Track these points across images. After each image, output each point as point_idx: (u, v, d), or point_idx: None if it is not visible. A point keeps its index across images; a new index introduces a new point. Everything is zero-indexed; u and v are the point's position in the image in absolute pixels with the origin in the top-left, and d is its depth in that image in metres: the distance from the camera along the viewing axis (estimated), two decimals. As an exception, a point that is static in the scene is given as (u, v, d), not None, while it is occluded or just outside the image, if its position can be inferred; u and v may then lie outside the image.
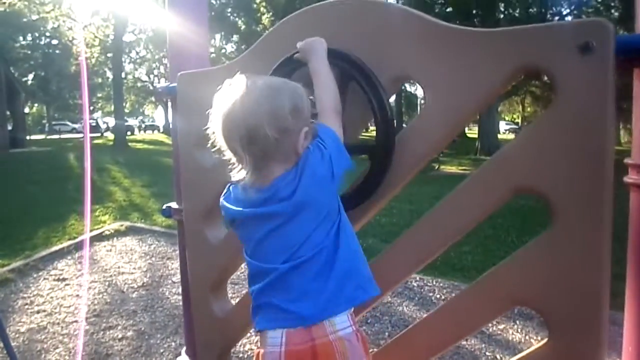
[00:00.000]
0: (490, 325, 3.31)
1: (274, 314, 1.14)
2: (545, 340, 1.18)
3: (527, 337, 3.17)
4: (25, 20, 35.29)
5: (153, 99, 50.60)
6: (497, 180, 1.19)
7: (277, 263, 1.12)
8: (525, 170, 1.15)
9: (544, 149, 1.11)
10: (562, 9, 20.96)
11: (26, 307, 3.80)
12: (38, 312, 3.70)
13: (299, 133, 1.10)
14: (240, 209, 1.16)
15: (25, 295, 4.05)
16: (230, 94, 1.09)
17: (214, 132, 1.13)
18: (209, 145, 1.14)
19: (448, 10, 20.21)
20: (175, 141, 1.83)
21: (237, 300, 1.83)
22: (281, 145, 1.08)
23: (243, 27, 26.89)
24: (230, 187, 1.22)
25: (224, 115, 1.08)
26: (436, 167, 13.75)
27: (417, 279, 4.22)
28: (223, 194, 1.24)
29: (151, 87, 46.74)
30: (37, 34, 43.64)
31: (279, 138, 1.06)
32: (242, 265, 1.67)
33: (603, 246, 1.06)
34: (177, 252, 5.18)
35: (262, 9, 25.54)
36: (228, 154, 1.13)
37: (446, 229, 1.29)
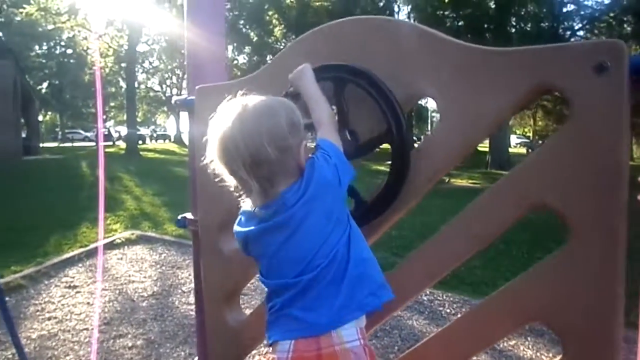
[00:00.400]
0: (501, 341, 3.29)
1: (286, 325, 1.15)
2: (559, 357, 1.18)
3: (538, 354, 3.14)
4: (40, 29, 35.88)
5: (165, 108, 51.05)
6: (512, 196, 1.20)
7: (292, 276, 1.13)
8: (541, 187, 1.15)
9: (559, 166, 1.12)
10: (574, 24, 20.92)
11: (37, 313, 3.83)
12: (49, 318, 3.73)
13: (299, 147, 1.12)
14: (252, 227, 1.18)
15: (36, 302, 4.08)
16: (225, 121, 1.09)
17: (212, 161, 1.13)
18: (210, 172, 1.15)
19: (459, 24, 20.26)
20: (192, 152, 1.85)
21: (247, 310, 1.85)
22: (284, 162, 1.09)
23: (255, 38, 27.14)
24: (240, 213, 1.24)
25: (224, 144, 1.08)
26: (447, 181, 13.71)
27: (427, 293, 4.21)
28: (236, 222, 1.26)
29: (163, 97, 47.17)
30: (52, 44, 44.43)
31: (282, 157, 1.07)
32: (256, 276, 1.68)
33: (617, 263, 1.07)
34: (187, 261, 5.25)
35: (274, 21, 25.80)
36: (232, 181, 1.14)
37: (460, 245, 1.30)
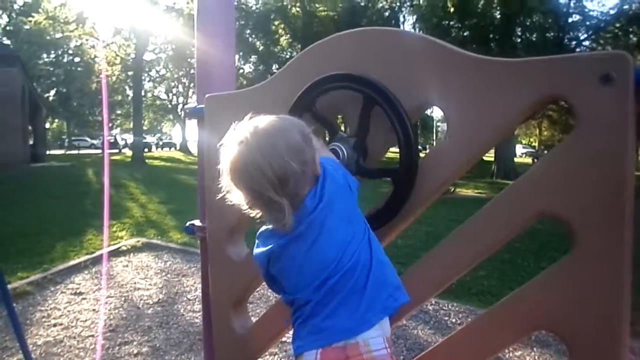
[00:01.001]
0: (506, 351, 3.28)
1: (311, 335, 1.14)
2: (566, 365, 1.18)
3: (544, 365, 3.13)
4: (49, 38, 36.24)
5: (171, 116, 51.34)
6: (518, 205, 1.21)
7: (317, 284, 1.13)
8: (547, 196, 1.16)
9: (565, 175, 1.13)
10: (580, 34, 20.94)
11: (43, 320, 3.85)
12: (55, 325, 3.75)
13: (314, 157, 1.13)
14: (273, 244, 1.18)
15: (42, 308, 4.10)
16: (239, 148, 1.09)
17: (230, 189, 1.13)
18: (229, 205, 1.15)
19: (465, 34, 20.32)
20: (201, 160, 1.87)
21: (253, 319, 1.85)
22: (305, 174, 1.10)
23: (261, 48, 27.30)
24: (257, 237, 1.25)
25: (244, 170, 1.07)
26: (452, 190, 13.69)
27: (433, 302, 4.20)
28: (254, 247, 1.26)
29: (170, 106, 47.47)
30: (60, 52, 44.83)
31: (303, 168, 1.08)
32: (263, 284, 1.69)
33: (624, 272, 1.07)
34: (193, 269, 5.26)
35: (280, 30, 25.95)
36: (258, 208, 1.13)
37: (467, 253, 1.31)
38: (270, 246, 1.19)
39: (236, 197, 1.13)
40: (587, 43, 20.57)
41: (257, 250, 1.24)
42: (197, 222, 1.95)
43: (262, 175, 1.05)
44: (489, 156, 23.42)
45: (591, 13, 20.70)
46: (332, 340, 1.10)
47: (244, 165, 1.07)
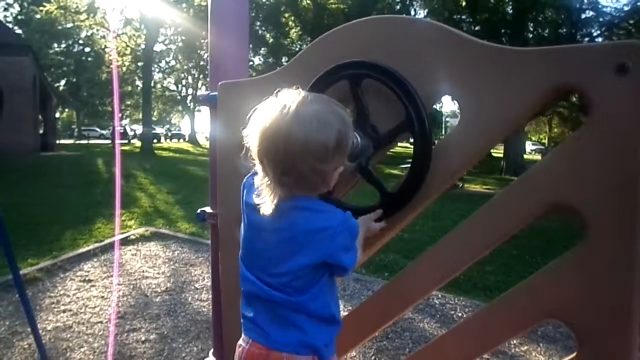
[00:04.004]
0: (513, 346, 3.28)
1: (246, 320, 1.22)
2: (574, 354, 1.18)
3: (550, 360, 3.12)
4: (60, 27, 36.42)
5: (180, 108, 51.46)
6: (529, 195, 1.21)
7: (259, 278, 1.16)
8: (559, 186, 1.16)
9: (578, 166, 1.13)
10: (593, 30, 20.72)
11: (53, 306, 3.88)
12: (64, 311, 3.78)
13: (334, 172, 1.08)
14: (249, 200, 1.17)
15: (52, 295, 4.14)
16: (277, 113, 1.02)
17: (248, 142, 1.08)
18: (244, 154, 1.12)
19: (476, 29, 20.16)
20: (214, 147, 1.88)
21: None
22: (312, 181, 1.06)
23: (271, 40, 27.24)
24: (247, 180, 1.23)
25: (266, 136, 1.03)
26: (460, 186, 13.64)
27: (439, 296, 4.20)
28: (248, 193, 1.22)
29: (179, 97, 47.55)
30: (70, 42, 44.99)
31: (313, 176, 1.04)
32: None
33: (635, 263, 1.07)
34: (201, 259, 5.29)
35: (290, 23, 25.86)
36: (259, 170, 1.10)
37: (476, 242, 1.31)
38: (245, 201, 1.20)
39: (254, 155, 1.08)
40: (600, 39, 20.33)
41: (244, 193, 1.23)
42: (207, 210, 1.96)
43: (274, 153, 1.02)
44: (498, 152, 23.29)
45: (604, 9, 20.46)
46: (258, 340, 1.16)
47: (268, 133, 1.02)
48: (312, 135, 1.00)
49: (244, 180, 1.25)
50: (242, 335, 1.22)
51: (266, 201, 1.08)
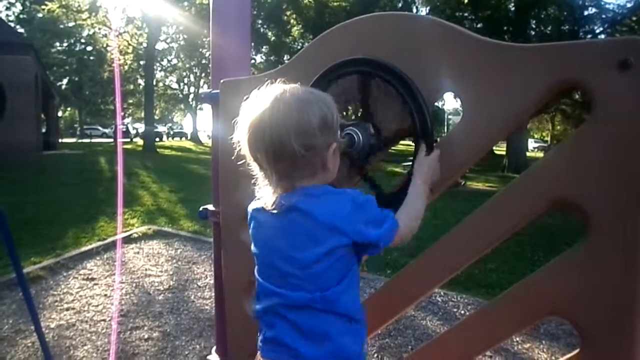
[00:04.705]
0: (515, 343, 3.28)
1: (266, 343, 1.15)
2: (577, 351, 1.18)
3: (553, 358, 3.12)
4: (62, 26, 36.45)
5: (182, 106, 51.51)
6: (532, 192, 1.21)
7: (280, 288, 1.11)
8: (562, 183, 1.16)
9: (582, 162, 1.13)
10: (595, 27, 20.64)
11: (56, 304, 3.90)
12: (67, 309, 3.79)
13: (327, 149, 1.07)
14: (255, 210, 1.17)
15: (55, 293, 4.15)
16: (257, 106, 1.06)
17: (239, 142, 1.10)
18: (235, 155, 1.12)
19: (478, 26, 20.11)
20: (216, 145, 1.88)
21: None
22: (308, 161, 1.05)
23: (273, 38, 27.22)
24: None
25: (252, 130, 1.05)
26: (462, 183, 13.62)
27: (442, 294, 4.21)
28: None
29: (181, 95, 47.59)
30: (72, 40, 45.02)
31: (306, 154, 1.03)
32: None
33: (638, 259, 1.07)
34: (203, 257, 5.30)
35: (292, 21, 25.83)
36: (253, 166, 1.10)
37: (479, 239, 1.31)
38: (252, 211, 1.19)
39: (245, 152, 1.09)
40: (602, 36, 20.26)
41: (249, 208, 1.22)
42: (210, 207, 1.96)
43: (261, 141, 1.03)
44: (501, 150, 23.24)
45: (607, 6, 20.38)
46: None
47: (252, 124, 1.05)
48: (294, 115, 1.03)
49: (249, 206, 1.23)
50: None
51: (268, 194, 1.08)
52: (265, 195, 1.10)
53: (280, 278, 1.11)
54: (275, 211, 1.08)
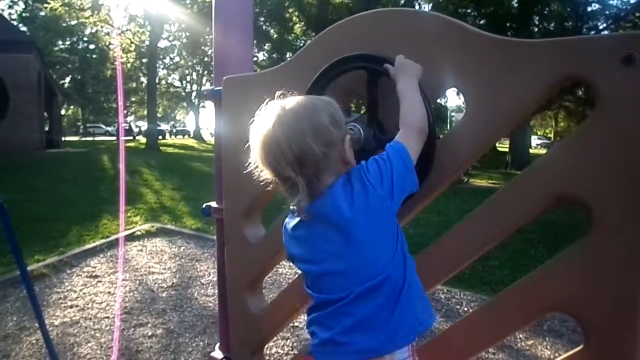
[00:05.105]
0: (519, 340, 3.28)
1: (323, 346, 1.13)
2: (580, 347, 1.18)
3: (556, 354, 3.11)
4: (64, 25, 36.48)
5: (185, 104, 51.54)
6: (538, 186, 1.20)
7: (337, 291, 1.10)
8: (567, 178, 1.15)
9: (586, 157, 1.12)
10: (599, 24, 20.57)
11: (60, 301, 3.91)
12: (71, 306, 3.81)
13: (343, 142, 1.10)
14: (289, 222, 1.18)
15: (59, 290, 4.16)
16: (265, 123, 1.08)
17: (257, 165, 1.11)
18: (254, 173, 1.13)
19: (481, 22, 20.06)
20: (219, 142, 1.88)
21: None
22: (330, 158, 1.07)
23: (275, 36, 27.20)
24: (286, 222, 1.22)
25: (267, 146, 1.06)
26: (465, 180, 13.60)
27: (445, 291, 4.20)
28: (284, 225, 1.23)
29: (183, 93, 47.60)
30: (75, 39, 45.04)
31: (327, 151, 1.06)
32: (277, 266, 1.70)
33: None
34: (206, 254, 5.31)
35: (294, 18, 25.80)
36: (281, 185, 1.11)
37: (482, 235, 1.30)
38: (286, 224, 1.19)
39: (265, 173, 1.11)
40: (606, 32, 20.19)
41: (285, 239, 1.22)
42: (213, 204, 1.96)
43: (281, 154, 1.04)
44: (504, 147, 23.20)
45: (610, 2, 20.34)
46: (353, 358, 1.09)
47: (267, 143, 1.07)
48: (305, 120, 1.06)
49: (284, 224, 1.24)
50: None
51: (298, 202, 1.08)
52: (296, 206, 1.11)
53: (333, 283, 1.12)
54: (311, 220, 1.11)
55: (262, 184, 1.15)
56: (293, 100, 1.12)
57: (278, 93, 1.16)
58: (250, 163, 1.13)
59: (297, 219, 1.16)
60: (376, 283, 1.07)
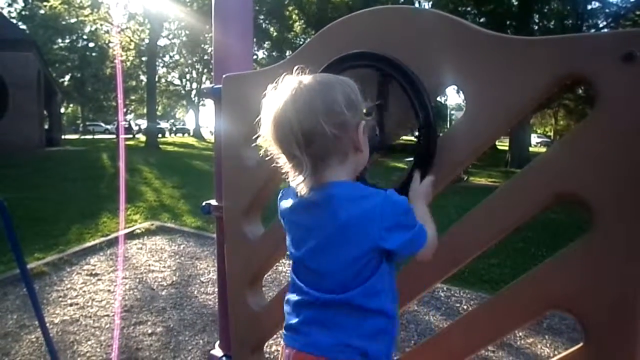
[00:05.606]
0: (518, 338, 3.28)
1: (290, 329, 1.13)
2: (580, 345, 1.18)
3: (556, 352, 3.12)
4: (64, 23, 36.47)
5: (184, 102, 51.52)
6: (538, 184, 1.20)
7: (310, 287, 1.10)
8: (566, 176, 1.15)
9: (586, 155, 1.12)
10: (599, 22, 20.57)
11: (60, 299, 3.91)
12: (71, 305, 3.81)
13: (357, 128, 1.05)
14: (288, 200, 1.15)
15: (59, 288, 4.17)
16: (278, 97, 1.04)
17: (266, 139, 1.08)
18: (257, 148, 1.12)
19: (481, 20, 20.06)
20: (219, 140, 1.88)
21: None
22: (340, 141, 1.03)
23: (275, 34, 27.20)
24: (283, 190, 1.20)
25: (277, 121, 1.03)
26: (465, 179, 13.59)
27: (445, 289, 4.21)
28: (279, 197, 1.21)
29: (183, 91, 47.58)
30: (75, 37, 45.00)
31: (338, 134, 1.01)
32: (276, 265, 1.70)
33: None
34: (206, 253, 5.31)
35: (294, 16, 25.81)
36: (284, 160, 1.08)
37: (481, 233, 1.30)
38: (284, 202, 1.17)
39: (272, 148, 1.08)
40: (606, 31, 20.18)
41: (279, 204, 1.20)
42: (213, 202, 1.96)
43: (290, 130, 1.00)
44: (504, 145, 23.20)
45: (610, 0, 20.32)
46: (304, 349, 1.08)
47: (277, 118, 1.03)
48: (318, 97, 1.02)
49: (279, 195, 1.21)
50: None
51: (300, 182, 1.04)
52: (297, 186, 1.06)
53: (308, 276, 1.11)
54: (307, 208, 1.08)
55: (267, 158, 1.12)
56: (309, 77, 1.07)
57: (296, 67, 1.12)
58: (259, 136, 1.10)
59: (291, 191, 1.12)
60: (337, 300, 1.05)
